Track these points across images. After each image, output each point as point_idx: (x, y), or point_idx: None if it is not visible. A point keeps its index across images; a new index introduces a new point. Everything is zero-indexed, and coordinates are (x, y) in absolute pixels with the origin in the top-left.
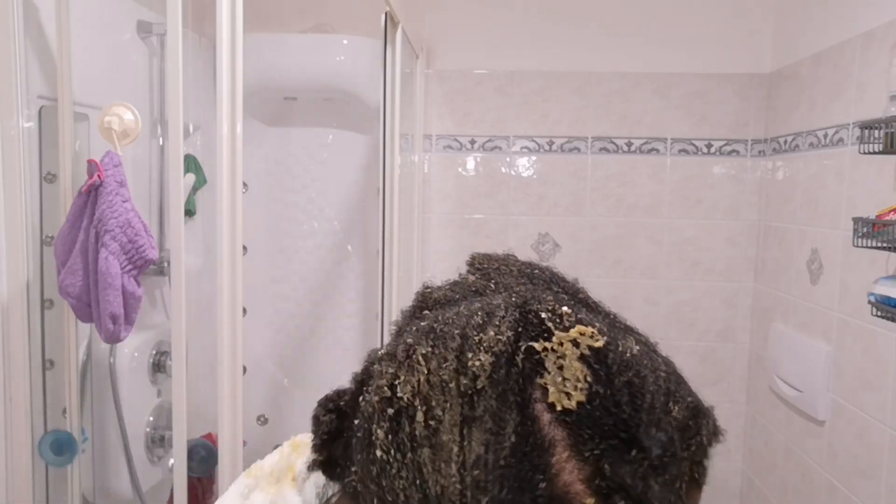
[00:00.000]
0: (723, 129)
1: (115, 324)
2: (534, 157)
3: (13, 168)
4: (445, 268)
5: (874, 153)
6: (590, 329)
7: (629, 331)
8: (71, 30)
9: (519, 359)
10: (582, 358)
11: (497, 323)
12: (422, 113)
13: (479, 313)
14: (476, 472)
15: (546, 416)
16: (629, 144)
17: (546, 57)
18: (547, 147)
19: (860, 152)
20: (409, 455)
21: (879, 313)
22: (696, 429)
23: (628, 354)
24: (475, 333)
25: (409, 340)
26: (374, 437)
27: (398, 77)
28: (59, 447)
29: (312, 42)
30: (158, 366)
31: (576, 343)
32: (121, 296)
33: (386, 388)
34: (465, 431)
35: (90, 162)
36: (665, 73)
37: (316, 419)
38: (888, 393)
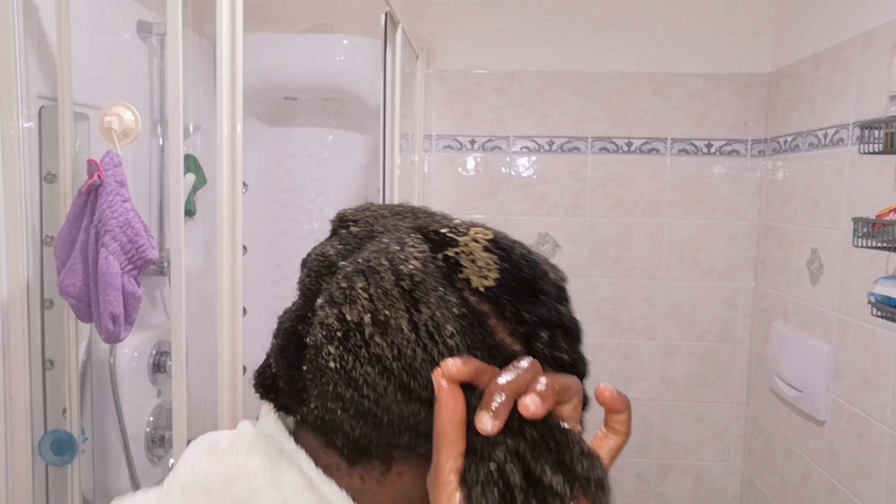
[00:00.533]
0: (723, 129)
1: (115, 324)
2: (534, 157)
3: (13, 168)
4: None
5: (874, 153)
6: (481, 228)
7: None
8: (71, 30)
9: (439, 263)
10: (485, 249)
11: (412, 244)
12: (422, 113)
13: (392, 244)
14: (427, 331)
15: (473, 299)
16: (629, 144)
17: (546, 57)
18: (547, 147)
19: (860, 152)
20: (363, 351)
21: (879, 313)
22: (559, 274)
23: (508, 237)
24: (398, 254)
25: (343, 285)
26: (325, 359)
27: (398, 77)
28: (59, 447)
29: (312, 42)
30: (158, 366)
31: (476, 240)
32: (121, 296)
33: (334, 322)
34: (412, 311)
35: (90, 162)
36: (665, 73)
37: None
38: (888, 393)
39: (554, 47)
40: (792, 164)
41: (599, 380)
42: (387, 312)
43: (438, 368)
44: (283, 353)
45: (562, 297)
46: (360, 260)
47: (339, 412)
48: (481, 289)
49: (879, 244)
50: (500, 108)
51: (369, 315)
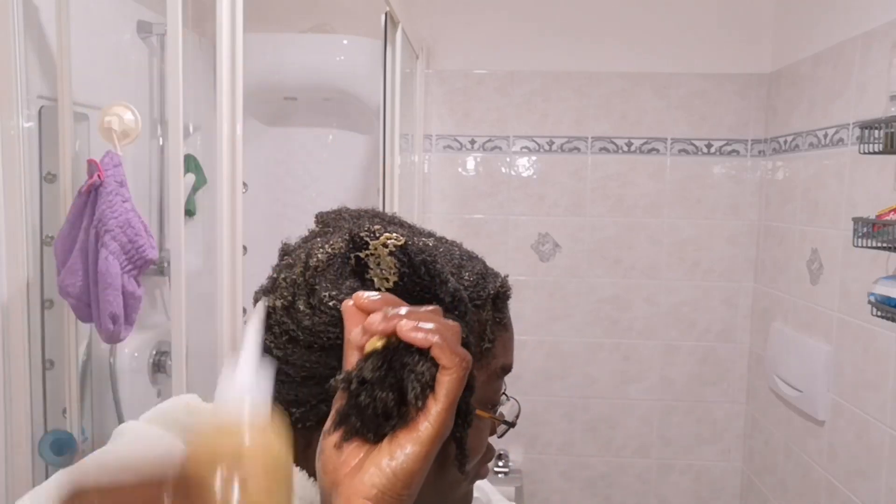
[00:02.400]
0: (723, 129)
1: (115, 324)
2: (534, 157)
3: (13, 168)
4: None
5: (874, 153)
6: (393, 234)
7: (430, 235)
8: (71, 30)
9: (350, 263)
10: (391, 254)
11: (332, 241)
12: (422, 113)
13: (319, 240)
14: (328, 308)
15: None
16: (629, 144)
17: (546, 57)
18: (547, 147)
19: (860, 152)
20: (276, 329)
21: (879, 313)
22: (483, 284)
23: (421, 244)
24: (318, 250)
25: (274, 274)
26: (266, 345)
27: (398, 77)
28: (59, 447)
29: (312, 42)
30: (158, 366)
31: (385, 245)
32: (121, 296)
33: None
34: (310, 298)
35: (90, 162)
36: (665, 73)
37: None
38: (888, 393)
39: (554, 47)
40: (792, 164)
41: (600, 380)
42: (290, 298)
43: (349, 300)
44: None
45: (454, 305)
46: (293, 254)
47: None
48: (382, 290)
49: (879, 244)
50: (499, 108)
51: (281, 301)
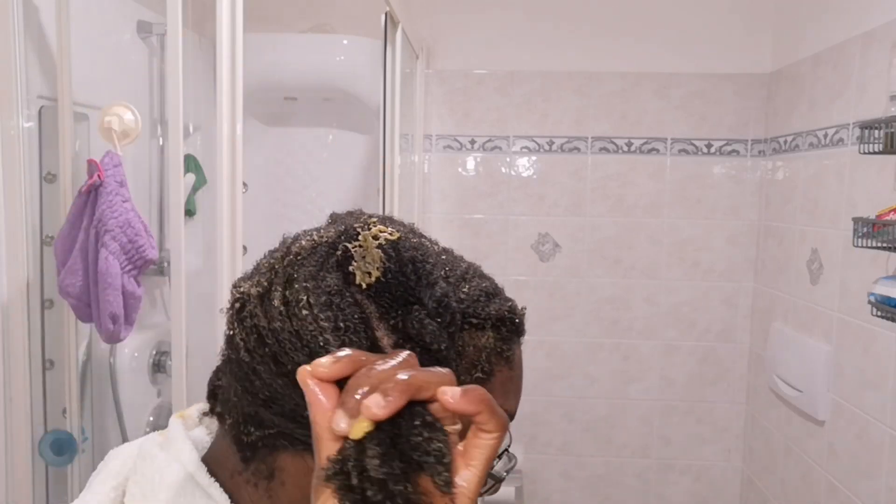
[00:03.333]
0: (723, 129)
1: (115, 324)
2: (534, 157)
3: (13, 168)
4: None
5: (874, 153)
6: (389, 228)
7: (447, 251)
8: (71, 30)
9: (338, 253)
10: (379, 247)
11: (323, 231)
12: (422, 113)
13: (311, 231)
14: (308, 317)
15: (358, 295)
16: (629, 144)
17: (546, 57)
18: (547, 147)
19: (860, 152)
20: (248, 321)
21: (879, 313)
22: (486, 302)
23: (418, 243)
24: (305, 235)
25: (260, 260)
26: (226, 329)
27: (398, 77)
28: (59, 447)
29: (312, 42)
30: (158, 366)
31: (375, 237)
32: (121, 296)
33: (236, 293)
34: (286, 285)
35: (90, 162)
36: (665, 73)
37: (210, 381)
38: (888, 393)
39: (554, 47)
40: (792, 164)
41: (600, 380)
42: (265, 284)
43: (306, 367)
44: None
45: (439, 312)
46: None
47: (232, 381)
48: (363, 285)
49: (879, 244)
50: (499, 108)
51: (256, 288)
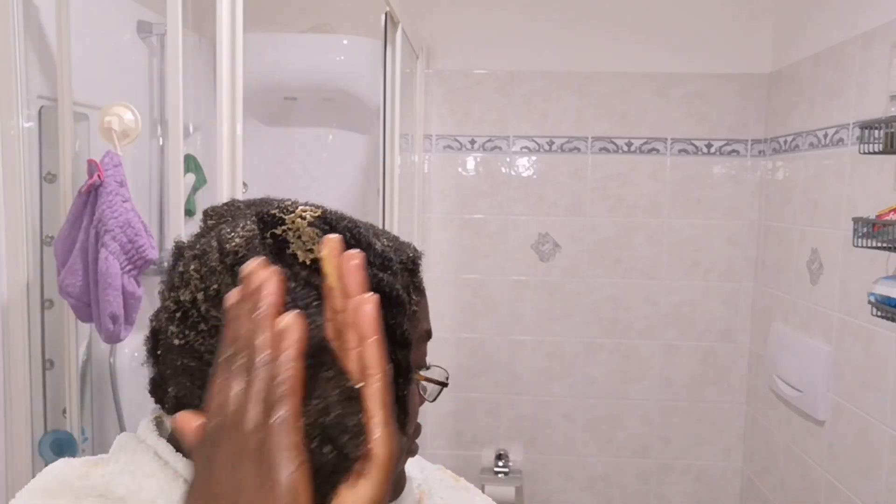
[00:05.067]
0: (723, 129)
1: (115, 324)
2: (534, 157)
3: (13, 168)
4: (446, 268)
5: (874, 153)
6: (310, 206)
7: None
8: (71, 30)
9: (267, 242)
10: (310, 224)
11: (242, 225)
12: (422, 113)
13: (226, 227)
14: None
15: (304, 273)
16: (629, 144)
17: (546, 57)
18: (547, 147)
19: (860, 152)
20: (202, 325)
21: (879, 313)
22: (401, 249)
23: (337, 212)
24: (228, 234)
25: (180, 269)
26: (170, 339)
27: (398, 77)
28: (59, 447)
29: (312, 42)
30: None
31: (302, 217)
32: (121, 296)
33: (171, 304)
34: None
35: (90, 162)
36: (665, 73)
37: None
38: (888, 393)
39: (554, 47)
40: (792, 164)
41: (600, 380)
42: (216, 286)
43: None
44: (150, 351)
45: (384, 265)
46: (196, 246)
47: (188, 384)
48: (307, 262)
49: (879, 244)
50: (500, 108)
51: (203, 293)
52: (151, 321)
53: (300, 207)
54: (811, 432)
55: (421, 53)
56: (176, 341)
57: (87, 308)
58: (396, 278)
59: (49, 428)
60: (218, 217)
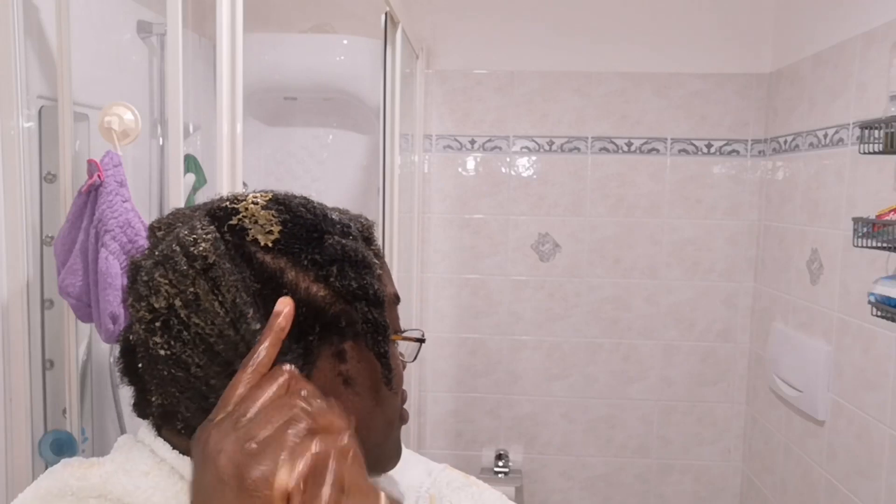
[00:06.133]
0: (723, 129)
1: (115, 324)
2: (534, 157)
3: (13, 168)
4: (446, 268)
5: (874, 153)
6: (260, 192)
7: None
8: (71, 30)
9: (227, 237)
10: (264, 207)
11: (198, 226)
12: (422, 113)
13: (182, 230)
14: (234, 308)
15: (267, 257)
16: (629, 144)
17: (546, 57)
18: (547, 147)
19: (860, 152)
20: (185, 333)
21: (879, 313)
22: (356, 218)
23: (290, 194)
24: (188, 238)
25: (144, 278)
26: (154, 349)
27: (398, 77)
28: (59, 447)
29: (312, 42)
30: None
31: (254, 202)
32: (121, 296)
33: (146, 314)
34: (216, 292)
35: (90, 162)
36: (665, 73)
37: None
38: (888, 393)
39: (554, 47)
40: (792, 164)
41: (600, 380)
42: (192, 290)
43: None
44: (126, 368)
45: (345, 232)
46: (156, 253)
47: (175, 393)
48: (269, 244)
49: (879, 244)
50: (499, 108)
51: (179, 298)
52: (125, 338)
53: (251, 195)
54: (811, 432)
55: (421, 53)
56: (161, 352)
57: (87, 308)
58: (358, 243)
59: (49, 428)
60: (167, 227)
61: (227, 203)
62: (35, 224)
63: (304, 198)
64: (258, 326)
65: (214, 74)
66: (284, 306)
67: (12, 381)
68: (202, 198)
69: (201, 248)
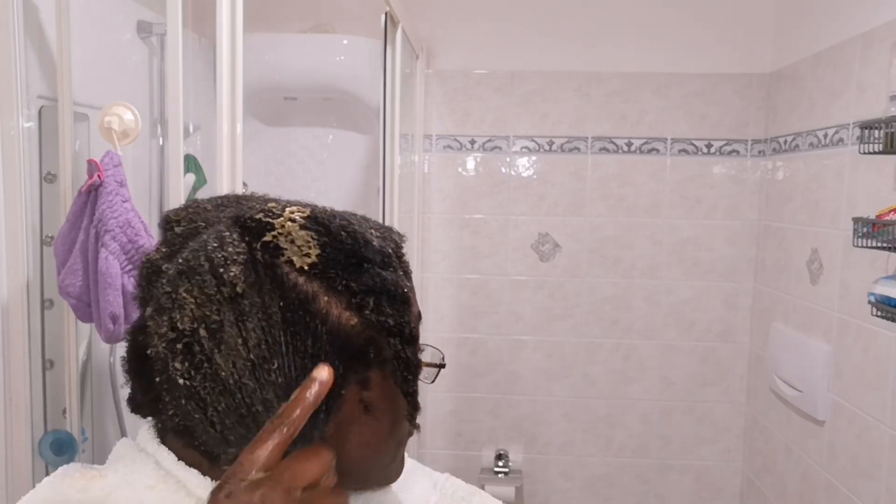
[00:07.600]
0: (723, 129)
1: (115, 324)
2: (534, 157)
3: (13, 168)
4: (446, 267)
5: (874, 153)
6: (295, 207)
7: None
8: (71, 30)
9: (259, 256)
10: (302, 227)
11: (228, 240)
12: (422, 113)
13: (211, 240)
14: (258, 351)
15: (300, 279)
16: (629, 144)
17: (546, 57)
18: (547, 147)
19: (860, 152)
20: (206, 367)
21: (879, 313)
22: (390, 236)
23: (329, 211)
24: (217, 253)
25: (167, 289)
26: (174, 375)
27: (398, 77)
28: (59, 447)
29: (312, 42)
30: None
31: (292, 220)
32: (121, 296)
33: (168, 332)
34: (241, 326)
35: (90, 162)
36: (665, 73)
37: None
38: (888, 393)
39: (554, 47)
40: (792, 164)
41: (600, 380)
42: (217, 318)
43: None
44: (132, 366)
45: (386, 262)
46: (180, 260)
47: (192, 421)
48: (305, 267)
49: (879, 244)
50: (500, 108)
51: (203, 324)
52: (133, 339)
53: (287, 209)
54: (811, 432)
55: (421, 53)
56: (181, 381)
57: (87, 308)
58: (397, 273)
59: (49, 428)
60: (188, 223)
61: (262, 216)
62: (35, 224)
63: (345, 217)
64: (280, 380)
65: (214, 74)
66: (322, 374)
67: (12, 382)
68: (201, 198)
69: (232, 275)
